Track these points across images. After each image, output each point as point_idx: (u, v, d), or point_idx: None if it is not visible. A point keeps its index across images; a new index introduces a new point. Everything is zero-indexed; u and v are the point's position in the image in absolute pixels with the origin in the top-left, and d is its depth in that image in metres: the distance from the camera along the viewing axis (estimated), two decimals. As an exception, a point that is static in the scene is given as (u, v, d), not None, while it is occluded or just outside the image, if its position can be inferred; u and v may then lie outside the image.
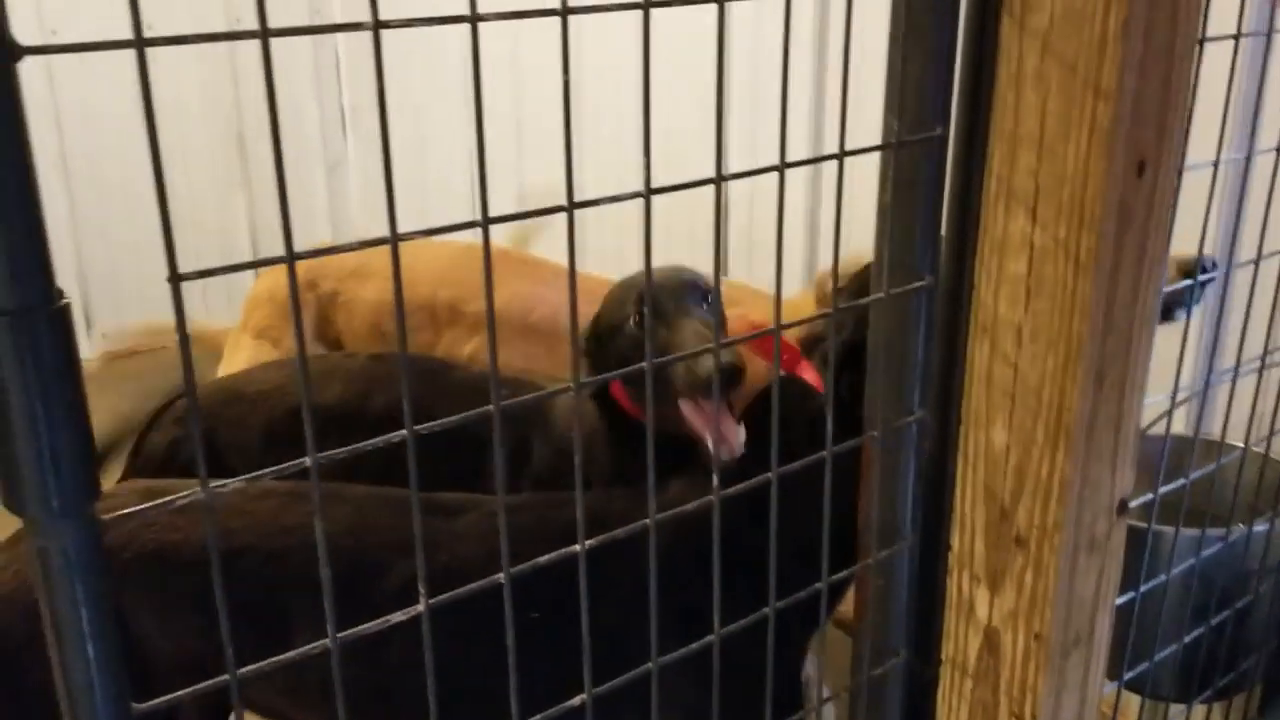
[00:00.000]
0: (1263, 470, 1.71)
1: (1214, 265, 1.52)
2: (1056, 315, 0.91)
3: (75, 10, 3.82)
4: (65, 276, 0.60)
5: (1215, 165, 1.22)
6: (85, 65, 3.90)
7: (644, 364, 0.82)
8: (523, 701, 0.83)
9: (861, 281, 1.47)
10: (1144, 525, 1.30)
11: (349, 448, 0.69)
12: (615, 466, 1.63)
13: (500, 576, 0.78)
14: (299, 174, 4.23)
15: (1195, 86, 0.95)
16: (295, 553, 1.37)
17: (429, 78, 3.72)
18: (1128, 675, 1.37)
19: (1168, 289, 1.18)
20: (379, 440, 0.70)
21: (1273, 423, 1.55)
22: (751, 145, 2.85)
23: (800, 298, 2.26)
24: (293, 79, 4.23)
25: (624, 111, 3.22)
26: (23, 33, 0.53)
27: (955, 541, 1.04)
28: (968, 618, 1.05)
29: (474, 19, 0.67)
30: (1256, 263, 1.34)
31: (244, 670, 0.69)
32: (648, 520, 0.85)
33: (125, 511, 0.66)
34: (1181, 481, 1.32)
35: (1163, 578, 1.36)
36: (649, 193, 0.76)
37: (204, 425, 1.82)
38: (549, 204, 0.75)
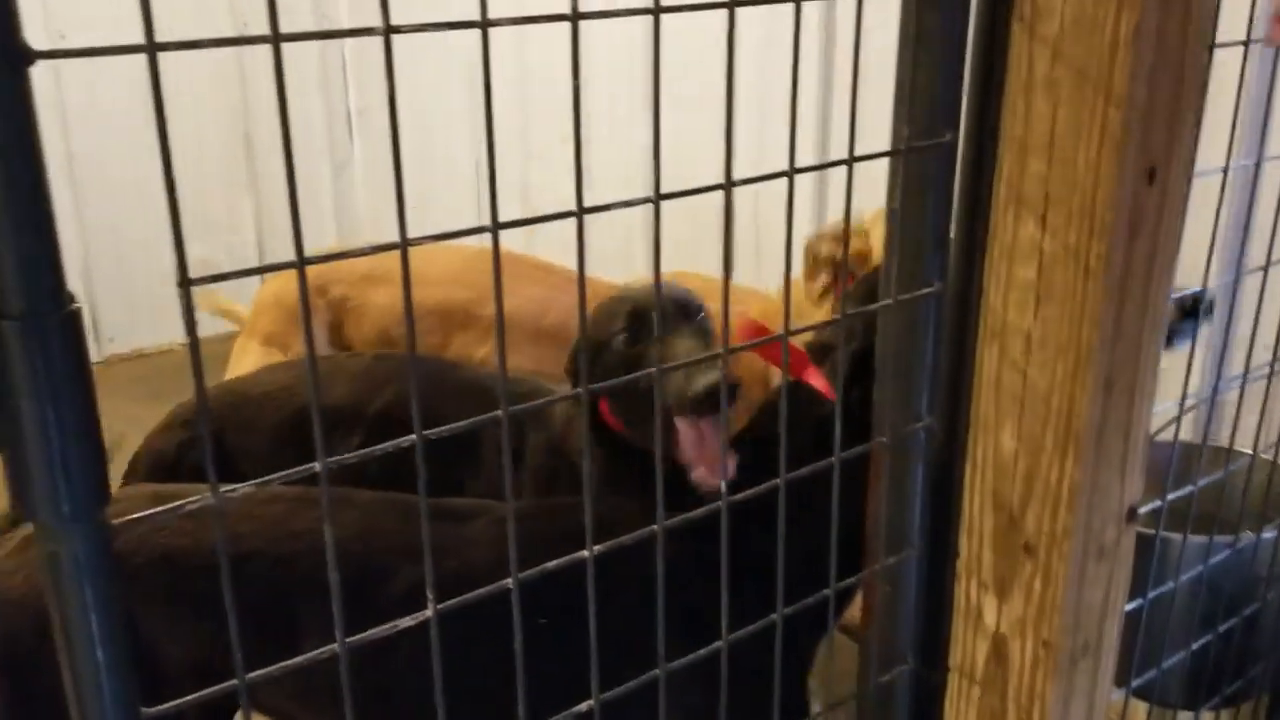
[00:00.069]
0: (1271, 477, 1.70)
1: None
2: (1066, 322, 0.90)
3: (81, 12, 3.84)
4: (70, 277, 0.60)
5: (1225, 171, 1.22)
6: (92, 67, 3.91)
7: (643, 375, 0.82)
8: (531, 706, 0.83)
9: (869, 286, 1.47)
10: (1152, 532, 1.29)
11: (358, 453, 0.70)
12: (609, 485, 1.59)
13: (509, 582, 0.78)
14: (305, 175, 4.24)
15: (1205, 92, 0.94)
16: (303, 557, 1.37)
17: (435, 80, 3.72)
18: (1136, 682, 1.37)
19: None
20: (388, 445, 0.71)
21: (1281, 429, 1.55)
22: (759, 149, 2.85)
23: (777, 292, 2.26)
24: (299, 80, 4.24)
25: (631, 116, 3.22)
26: (30, 36, 0.53)
27: (963, 548, 1.04)
28: (976, 625, 1.05)
29: (484, 24, 0.67)
30: (1265, 269, 1.33)
31: (253, 675, 0.69)
32: (655, 526, 0.85)
33: (135, 516, 0.66)
34: (1190, 488, 1.31)
35: (1171, 585, 1.36)
36: (659, 198, 0.76)
37: (211, 428, 1.82)
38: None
